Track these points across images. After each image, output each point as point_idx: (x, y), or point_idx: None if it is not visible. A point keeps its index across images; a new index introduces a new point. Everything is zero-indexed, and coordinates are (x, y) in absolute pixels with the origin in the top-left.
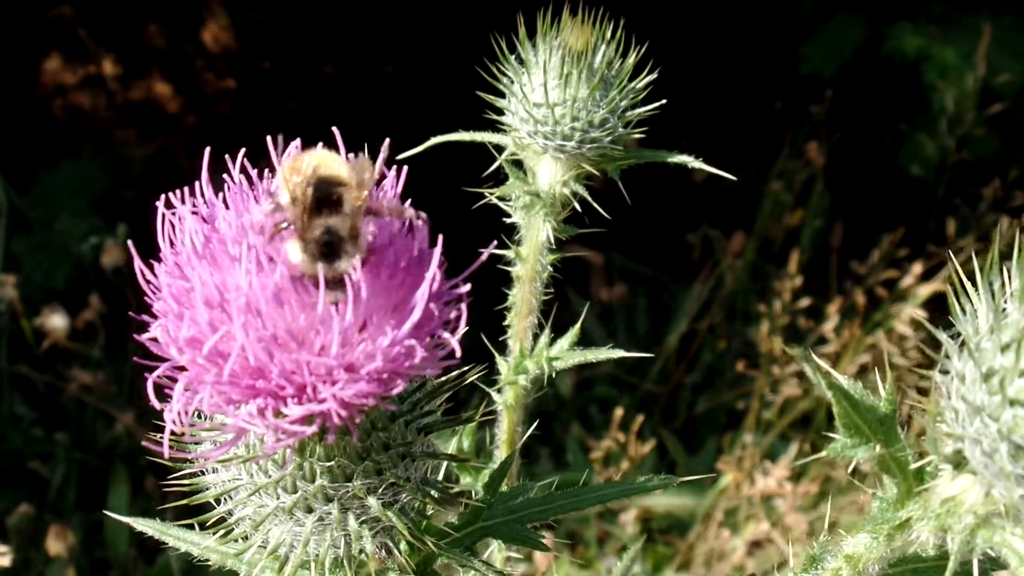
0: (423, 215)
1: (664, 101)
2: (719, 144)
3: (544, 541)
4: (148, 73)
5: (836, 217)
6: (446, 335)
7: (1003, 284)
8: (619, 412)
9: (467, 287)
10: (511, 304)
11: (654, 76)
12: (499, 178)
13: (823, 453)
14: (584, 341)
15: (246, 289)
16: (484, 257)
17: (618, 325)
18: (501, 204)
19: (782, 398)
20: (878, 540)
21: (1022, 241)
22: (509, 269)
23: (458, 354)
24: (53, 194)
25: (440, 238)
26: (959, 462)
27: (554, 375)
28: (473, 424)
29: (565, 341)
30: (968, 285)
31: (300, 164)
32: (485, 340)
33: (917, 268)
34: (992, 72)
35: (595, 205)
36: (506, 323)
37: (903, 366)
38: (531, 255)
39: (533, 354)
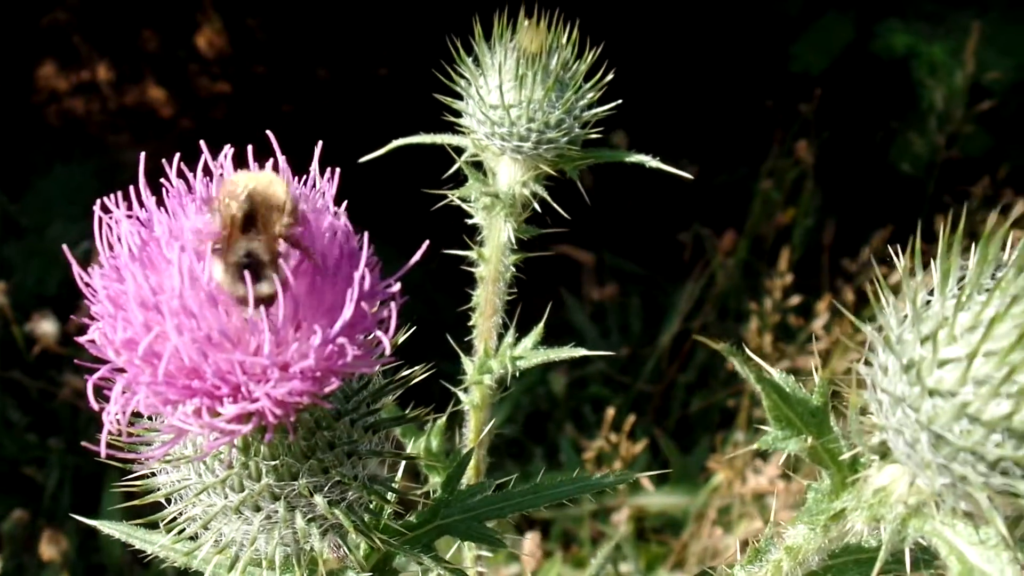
0: (348, 225)
1: (620, 101)
2: (710, 143)
3: (502, 538)
4: (142, 78)
5: (827, 215)
6: (379, 333)
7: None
8: (611, 412)
9: (397, 286)
10: (475, 304)
11: (611, 77)
12: (461, 179)
13: (755, 446)
14: (577, 341)
15: (179, 290)
16: (416, 259)
17: (611, 324)
18: (464, 205)
19: None
20: (815, 531)
21: (947, 236)
22: (473, 270)
23: (388, 352)
24: (46, 200)
25: (366, 236)
26: (884, 452)
27: (518, 373)
28: (441, 424)
29: (529, 340)
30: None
31: (234, 184)
32: (451, 341)
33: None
34: (981, 69)
35: (555, 206)
36: (471, 323)
37: None
38: (493, 255)
39: (497, 354)
